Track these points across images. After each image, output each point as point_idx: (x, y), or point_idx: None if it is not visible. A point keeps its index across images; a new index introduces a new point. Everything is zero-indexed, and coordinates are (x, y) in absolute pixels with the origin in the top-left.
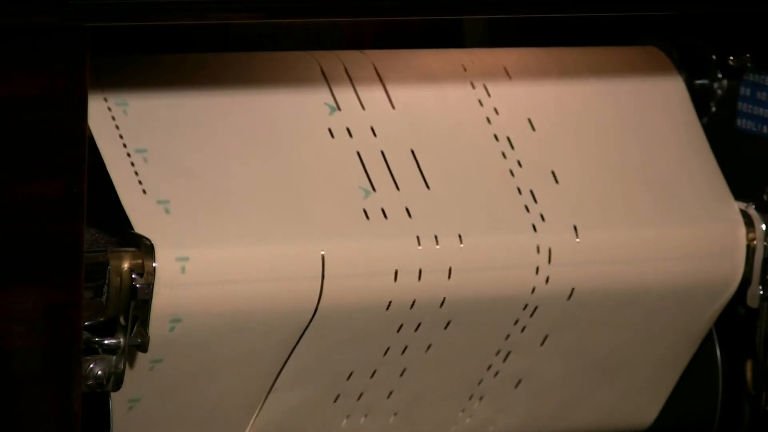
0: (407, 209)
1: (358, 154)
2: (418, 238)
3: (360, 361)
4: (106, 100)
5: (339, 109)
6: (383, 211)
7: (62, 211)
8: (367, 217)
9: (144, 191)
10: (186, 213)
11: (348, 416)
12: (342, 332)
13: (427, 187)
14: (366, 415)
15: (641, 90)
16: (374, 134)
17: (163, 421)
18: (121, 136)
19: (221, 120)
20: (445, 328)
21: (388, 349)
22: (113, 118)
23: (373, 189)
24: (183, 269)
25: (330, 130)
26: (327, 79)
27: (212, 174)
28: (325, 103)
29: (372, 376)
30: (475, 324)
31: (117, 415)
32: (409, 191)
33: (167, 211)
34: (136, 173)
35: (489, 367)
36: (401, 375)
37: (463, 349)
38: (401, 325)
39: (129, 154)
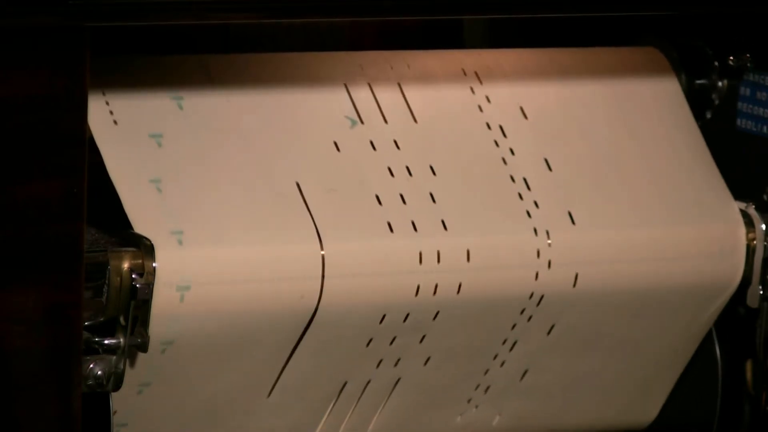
0: (408, 210)
1: (361, 157)
2: (418, 238)
3: (358, 362)
4: (106, 101)
5: (360, 121)
6: (384, 210)
7: (62, 211)
8: (369, 217)
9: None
10: (187, 214)
11: (348, 415)
12: (341, 332)
13: (432, 198)
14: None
15: (641, 91)
16: (375, 145)
17: (163, 421)
18: (122, 139)
19: (222, 120)
20: (446, 328)
21: (390, 343)
22: (115, 122)
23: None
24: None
25: (334, 134)
26: (326, 81)
27: (213, 174)
28: (331, 107)
29: (367, 384)
30: (473, 325)
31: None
32: (411, 192)
33: (168, 214)
34: (137, 175)
35: (486, 372)
36: (406, 367)
37: (462, 350)
38: (401, 324)
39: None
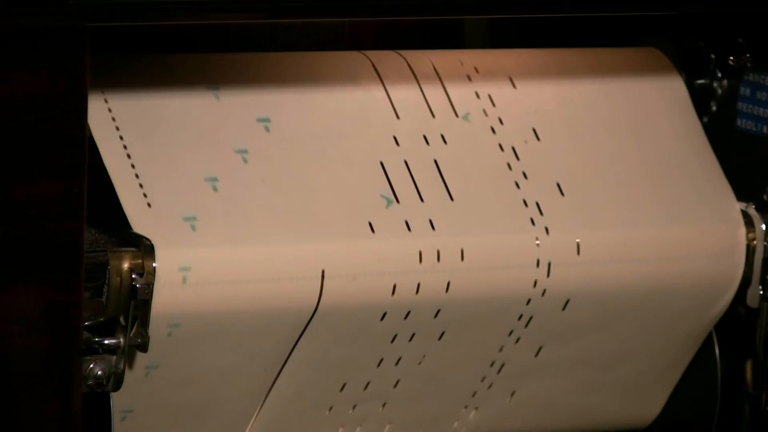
0: (408, 212)
1: (363, 156)
2: (417, 239)
3: (357, 362)
4: (106, 101)
5: (396, 200)
6: (384, 211)
7: (62, 211)
8: (368, 216)
9: (145, 194)
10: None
11: (349, 411)
12: (341, 332)
13: (423, 198)
14: (360, 425)
15: (642, 91)
16: (377, 133)
17: (163, 421)
18: (121, 138)
19: (222, 121)
20: (445, 330)
21: (392, 340)
22: (113, 119)
23: (379, 190)
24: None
25: (336, 131)
26: (327, 79)
27: (213, 175)
28: (331, 105)
29: (366, 386)
30: (475, 324)
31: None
32: (409, 196)
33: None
34: (137, 176)
35: (492, 364)
36: (405, 365)
37: (463, 349)
38: (403, 320)
39: (129, 156)
